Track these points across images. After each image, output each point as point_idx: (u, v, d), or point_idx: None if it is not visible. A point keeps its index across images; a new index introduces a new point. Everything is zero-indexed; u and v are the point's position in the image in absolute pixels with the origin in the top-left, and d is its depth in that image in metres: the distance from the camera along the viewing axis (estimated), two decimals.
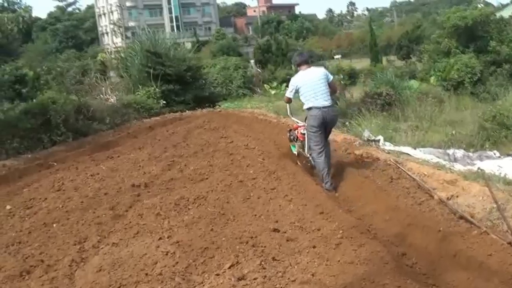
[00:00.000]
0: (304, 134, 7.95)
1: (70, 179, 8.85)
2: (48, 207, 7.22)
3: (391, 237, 5.35)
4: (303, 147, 8.23)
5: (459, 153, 9.26)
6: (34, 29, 77.46)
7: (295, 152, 8.74)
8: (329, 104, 7.38)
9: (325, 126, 7.41)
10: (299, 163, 8.56)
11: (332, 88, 7.64)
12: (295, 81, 7.59)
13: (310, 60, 8.64)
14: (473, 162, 8.47)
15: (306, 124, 7.77)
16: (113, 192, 7.73)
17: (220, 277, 4.43)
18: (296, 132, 8.51)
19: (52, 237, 5.98)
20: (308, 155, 7.98)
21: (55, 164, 10.46)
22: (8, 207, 7.42)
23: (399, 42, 46.63)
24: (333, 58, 49.47)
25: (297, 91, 7.57)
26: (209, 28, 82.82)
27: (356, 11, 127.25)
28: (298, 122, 8.50)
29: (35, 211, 7.09)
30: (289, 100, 8.08)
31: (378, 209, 6.10)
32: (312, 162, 7.80)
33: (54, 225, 6.40)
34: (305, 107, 7.50)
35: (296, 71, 7.88)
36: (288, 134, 8.92)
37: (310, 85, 7.36)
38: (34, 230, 6.27)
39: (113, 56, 29.58)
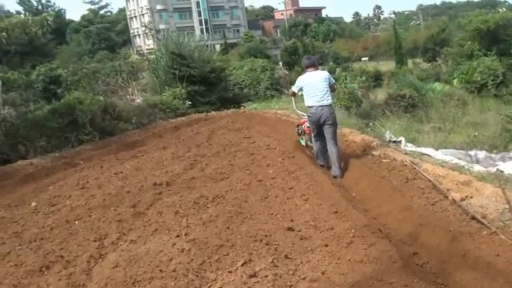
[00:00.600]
0: (310, 127, 8.69)
1: (95, 177, 9.07)
2: (71, 204, 7.40)
3: (404, 236, 5.36)
4: (310, 139, 9.02)
5: (481, 154, 9.16)
6: (68, 31, 79.02)
7: (303, 144, 9.63)
8: (328, 103, 8.14)
9: (324, 122, 8.11)
10: (308, 153, 9.42)
11: (332, 90, 8.53)
12: (301, 80, 8.45)
13: (318, 63, 9.77)
14: (495, 164, 8.35)
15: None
16: (135, 190, 7.87)
17: (232, 274, 4.50)
18: (303, 126, 9.36)
19: (73, 233, 6.12)
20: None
21: (81, 162, 10.72)
22: (33, 204, 7.63)
23: (425, 44, 46.09)
24: (360, 60, 49.52)
25: (301, 89, 8.38)
26: (238, 31, 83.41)
27: (383, 14, 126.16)
28: (303, 115, 9.21)
29: (59, 208, 7.27)
30: (293, 94, 9.10)
31: (392, 209, 6.11)
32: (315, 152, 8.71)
33: (76, 222, 6.55)
34: (306, 104, 8.31)
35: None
36: (296, 128, 9.93)
37: (313, 85, 8.17)
38: (56, 226, 6.42)
39: (145, 58, 29.95)
